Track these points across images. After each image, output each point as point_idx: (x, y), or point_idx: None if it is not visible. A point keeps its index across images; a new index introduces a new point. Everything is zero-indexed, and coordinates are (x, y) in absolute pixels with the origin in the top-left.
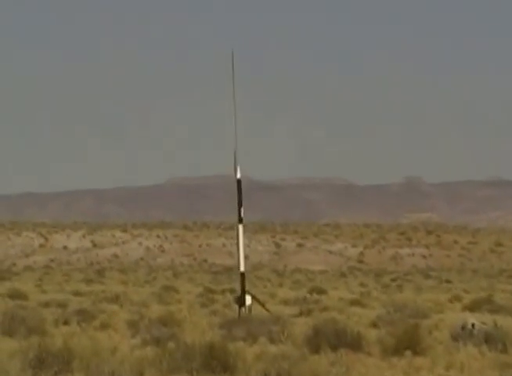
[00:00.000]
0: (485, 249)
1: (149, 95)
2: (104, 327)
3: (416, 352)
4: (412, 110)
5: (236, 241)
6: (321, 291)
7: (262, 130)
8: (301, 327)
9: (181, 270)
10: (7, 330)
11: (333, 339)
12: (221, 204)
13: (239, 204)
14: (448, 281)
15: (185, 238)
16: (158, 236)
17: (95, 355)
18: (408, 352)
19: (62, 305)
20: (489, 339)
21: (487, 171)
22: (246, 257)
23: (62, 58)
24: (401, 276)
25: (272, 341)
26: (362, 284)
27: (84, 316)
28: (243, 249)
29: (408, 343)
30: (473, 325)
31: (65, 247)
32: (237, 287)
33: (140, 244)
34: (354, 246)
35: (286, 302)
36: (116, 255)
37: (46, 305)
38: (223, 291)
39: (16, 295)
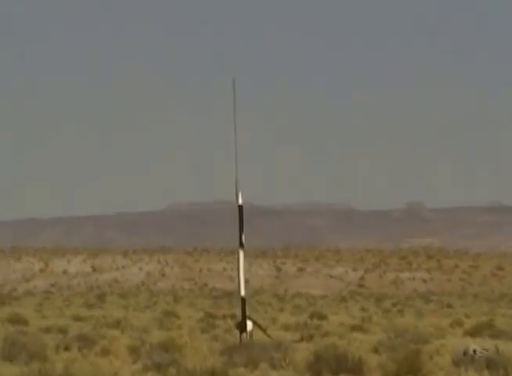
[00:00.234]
0: (486, 273)
1: (149, 121)
2: (105, 352)
3: None
4: (413, 135)
5: (236, 266)
6: (322, 316)
7: (263, 155)
8: (302, 352)
9: (181, 295)
10: (8, 356)
11: (334, 365)
12: (221, 230)
13: (241, 230)
14: (449, 306)
15: (185, 263)
16: (159, 261)
17: None
18: None
19: (62, 331)
20: (491, 365)
21: (487, 197)
22: (246, 281)
23: (61, 81)
24: (402, 301)
25: (273, 367)
26: (362, 309)
27: (85, 341)
28: (243, 274)
29: (409, 369)
30: (474, 351)
31: (65, 272)
32: (238, 312)
33: (141, 268)
34: (354, 270)
35: (287, 327)
36: (116, 280)
37: (47, 330)
38: (224, 316)
39: (16, 320)
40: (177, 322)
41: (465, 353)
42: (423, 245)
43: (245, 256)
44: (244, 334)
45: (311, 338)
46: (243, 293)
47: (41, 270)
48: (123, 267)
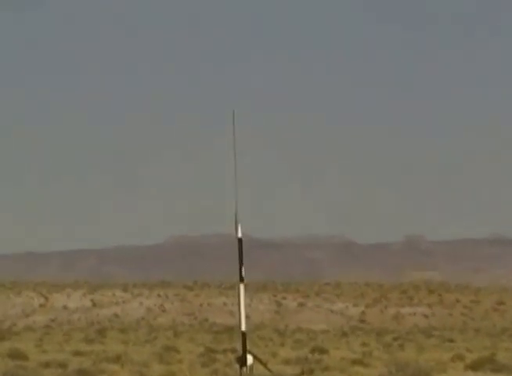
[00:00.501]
0: (488, 308)
1: (147, 154)
2: None
3: None
4: (412, 168)
5: (237, 300)
6: (323, 351)
7: (262, 188)
8: None
9: (182, 330)
10: None
11: None
12: (221, 263)
13: (241, 263)
14: (450, 340)
15: (185, 297)
16: (159, 296)
17: None
18: None
19: (62, 366)
20: None
21: (488, 229)
22: (247, 316)
23: (61, 120)
24: (403, 336)
25: None
26: (363, 344)
27: None
28: (244, 308)
29: None
30: None
31: (65, 307)
32: (238, 346)
33: (141, 303)
34: (355, 305)
35: (287, 362)
36: (116, 315)
37: (46, 365)
38: (224, 351)
39: (16, 355)
40: (177, 356)
41: None
42: (424, 278)
43: (245, 290)
44: (245, 368)
45: (311, 372)
46: (243, 327)
47: (40, 305)
48: (123, 302)
